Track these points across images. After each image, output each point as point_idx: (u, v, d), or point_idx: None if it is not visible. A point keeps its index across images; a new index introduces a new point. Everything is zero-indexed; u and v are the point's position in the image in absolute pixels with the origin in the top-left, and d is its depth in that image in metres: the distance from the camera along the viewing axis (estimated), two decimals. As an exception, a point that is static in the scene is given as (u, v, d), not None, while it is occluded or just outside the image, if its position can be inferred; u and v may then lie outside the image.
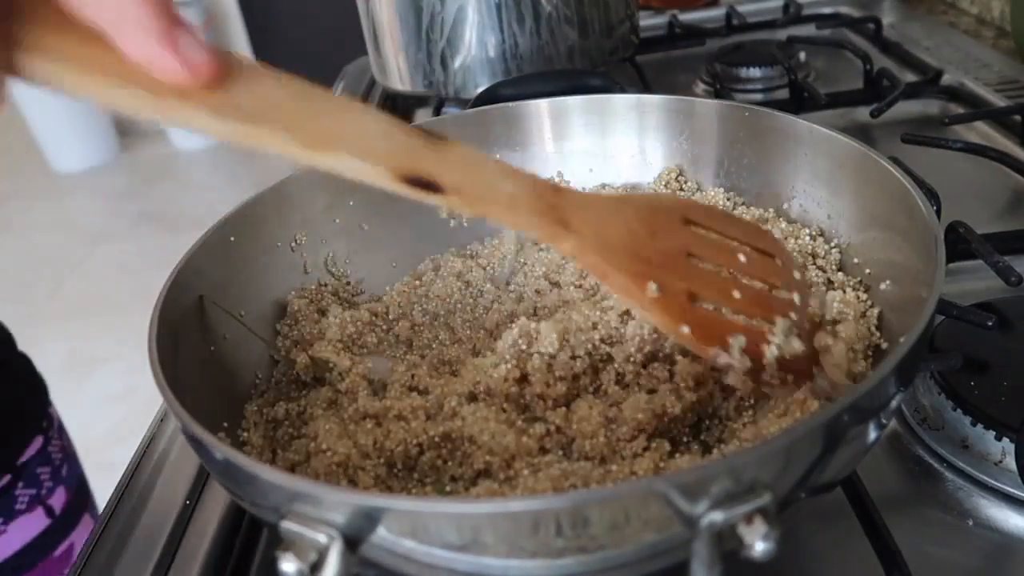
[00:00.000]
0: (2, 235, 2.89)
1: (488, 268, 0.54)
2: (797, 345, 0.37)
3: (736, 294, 0.37)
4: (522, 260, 0.53)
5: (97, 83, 0.25)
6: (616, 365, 0.42)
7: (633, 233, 0.36)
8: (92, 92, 0.26)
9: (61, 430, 0.76)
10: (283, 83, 0.28)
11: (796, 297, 0.40)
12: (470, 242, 0.57)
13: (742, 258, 0.39)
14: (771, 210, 0.52)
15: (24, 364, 0.74)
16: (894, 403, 0.32)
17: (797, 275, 0.41)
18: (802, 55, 0.95)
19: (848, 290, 0.44)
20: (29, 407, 0.72)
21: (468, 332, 0.49)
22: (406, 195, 0.30)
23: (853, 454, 0.34)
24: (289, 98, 0.28)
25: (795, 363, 0.37)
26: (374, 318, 0.50)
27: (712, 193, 0.53)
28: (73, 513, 0.72)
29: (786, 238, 0.48)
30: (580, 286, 0.50)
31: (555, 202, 0.33)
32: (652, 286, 0.35)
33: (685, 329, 0.36)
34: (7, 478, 0.67)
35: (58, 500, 0.71)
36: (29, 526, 0.69)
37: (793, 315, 0.39)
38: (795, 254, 0.47)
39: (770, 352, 0.37)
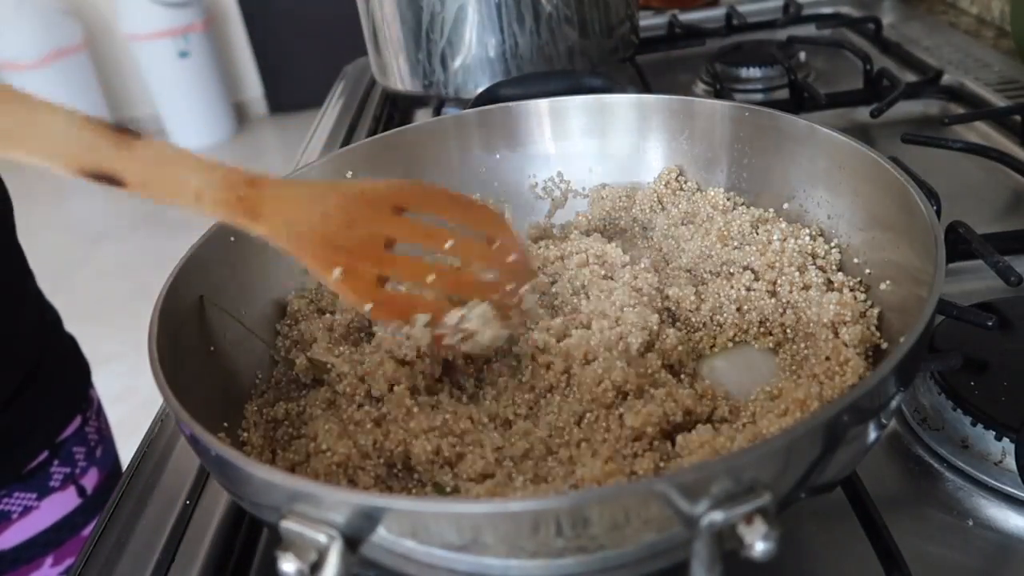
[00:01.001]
0: (2, 235, 2.88)
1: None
2: (492, 329, 0.43)
3: (430, 277, 0.43)
4: None
5: None
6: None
7: (328, 220, 0.41)
8: None
9: (99, 413, 0.78)
10: None
11: (494, 275, 0.44)
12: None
13: (448, 243, 0.43)
14: (771, 210, 0.52)
15: (70, 345, 0.76)
16: (894, 403, 0.32)
17: (514, 257, 0.45)
18: (802, 55, 0.95)
19: (847, 291, 0.44)
20: (72, 387, 0.74)
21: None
22: (92, 183, 0.34)
23: (853, 454, 0.34)
24: None
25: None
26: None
27: (712, 193, 0.53)
28: (104, 494, 0.73)
29: (786, 238, 0.49)
30: (581, 286, 0.50)
31: (246, 194, 0.38)
32: (336, 271, 0.40)
33: (368, 306, 0.41)
34: (44, 455, 0.68)
35: (90, 480, 0.72)
36: (61, 504, 0.70)
37: (495, 296, 0.43)
38: (795, 254, 0.47)
39: (450, 320, 0.42)
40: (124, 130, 0.35)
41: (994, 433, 0.41)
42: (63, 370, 0.72)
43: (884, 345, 0.41)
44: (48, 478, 0.69)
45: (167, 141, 0.37)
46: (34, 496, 0.68)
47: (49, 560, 0.69)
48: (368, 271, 0.41)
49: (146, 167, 0.35)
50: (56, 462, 0.69)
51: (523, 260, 0.46)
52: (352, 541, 0.28)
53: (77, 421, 0.72)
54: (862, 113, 0.80)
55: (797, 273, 0.47)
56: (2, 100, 0.32)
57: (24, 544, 0.68)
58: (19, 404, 0.65)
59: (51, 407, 0.69)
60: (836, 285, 0.46)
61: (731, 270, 0.49)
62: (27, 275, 0.70)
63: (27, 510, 0.67)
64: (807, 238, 0.48)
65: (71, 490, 0.71)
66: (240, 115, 3.96)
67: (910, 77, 0.86)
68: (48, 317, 0.73)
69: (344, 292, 0.40)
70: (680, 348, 0.45)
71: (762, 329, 0.46)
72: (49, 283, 0.75)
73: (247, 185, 0.38)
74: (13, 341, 0.66)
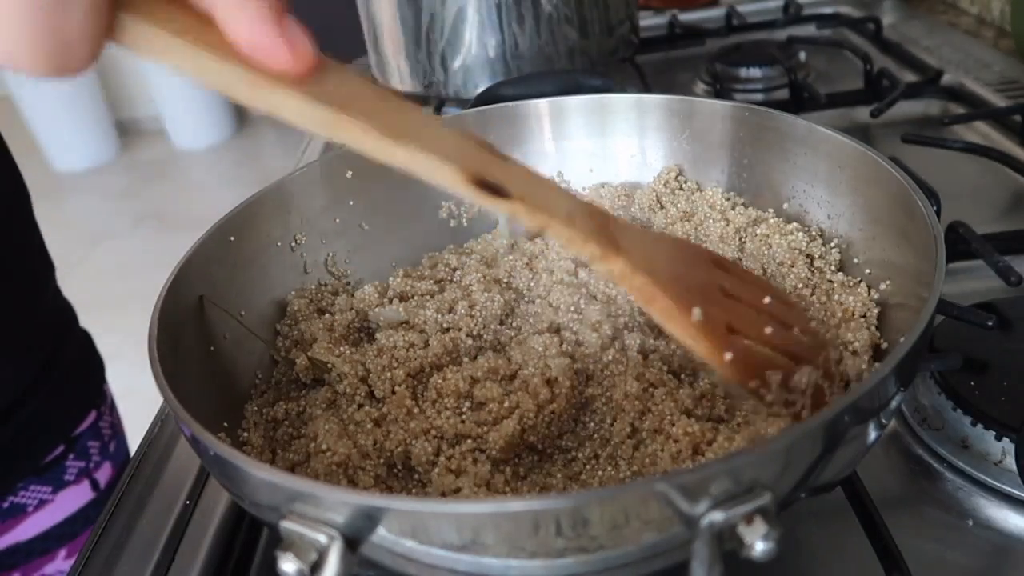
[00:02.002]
0: (2, 235, 2.88)
1: (482, 262, 0.53)
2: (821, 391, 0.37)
3: (768, 330, 0.37)
4: (513, 257, 0.53)
5: (195, 57, 0.25)
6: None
7: (674, 261, 0.36)
8: (187, 65, 0.25)
9: (112, 408, 0.78)
10: (365, 81, 0.29)
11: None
12: (467, 240, 0.57)
13: (768, 300, 0.39)
14: (770, 210, 0.52)
15: (85, 340, 0.76)
16: (894, 403, 0.32)
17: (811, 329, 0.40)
18: (802, 55, 0.95)
19: (847, 290, 0.44)
20: (87, 381, 0.74)
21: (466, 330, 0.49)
22: (473, 199, 0.30)
23: (853, 454, 0.34)
24: (372, 95, 0.28)
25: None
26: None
27: (710, 192, 0.53)
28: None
29: (786, 235, 0.48)
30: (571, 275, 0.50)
31: (605, 224, 0.34)
32: (696, 311, 0.35)
33: (728, 355, 0.35)
34: (60, 448, 0.69)
35: (104, 475, 0.73)
36: (75, 497, 0.70)
37: (819, 359, 0.37)
38: (797, 253, 0.47)
39: (798, 381, 0.36)
40: (495, 149, 0.32)
41: (994, 433, 0.41)
42: (79, 364, 0.73)
43: (884, 345, 0.41)
44: (63, 472, 0.69)
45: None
46: (49, 489, 0.69)
47: (63, 553, 0.70)
48: (719, 316, 0.36)
49: (523, 183, 0.32)
50: (71, 456, 0.70)
51: (821, 334, 0.41)
52: (352, 541, 0.27)
53: (92, 416, 0.73)
54: (862, 113, 0.80)
55: (797, 273, 0.47)
56: (393, 101, 0.30)
57: (38, 537, 0.68)
58: (37, 396, 0.65)
59: (68, 400, 0.70)
60: (836, 285, 0.46)
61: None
62: (49, 266, 0.71)
63: (42, 503, 0.68)
64: (806, 238, 0.48)
65: (85, 484, 0.71)
66: (240, 115, 3.96)
67: (910, 77, 0.86)
68: (65, 309, 0.74)
69: (703, 338, 0.35)
70: (678, 352, 0.44)
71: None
72: (49, 283, 0.75)
73: (603, 216, 0.35)
74: (33, 329, 0.66)
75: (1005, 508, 0.40)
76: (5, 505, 0.66)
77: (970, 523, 0.40)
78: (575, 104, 0.58)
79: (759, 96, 0.90)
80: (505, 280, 0.51)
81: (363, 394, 0.44)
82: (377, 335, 0.47)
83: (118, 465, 0.75)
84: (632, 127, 0.57)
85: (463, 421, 0.41)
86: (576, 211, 0.33)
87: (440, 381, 0.43)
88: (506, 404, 0.41)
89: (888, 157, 0.43)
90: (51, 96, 3.46)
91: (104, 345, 0.78)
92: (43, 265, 0.70)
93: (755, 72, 0.91)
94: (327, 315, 0.49)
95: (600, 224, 0.34)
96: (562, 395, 0.41)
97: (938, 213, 0.55)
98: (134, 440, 0.53)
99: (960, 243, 0.54)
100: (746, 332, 0.36)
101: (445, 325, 0.47)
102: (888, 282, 0.43)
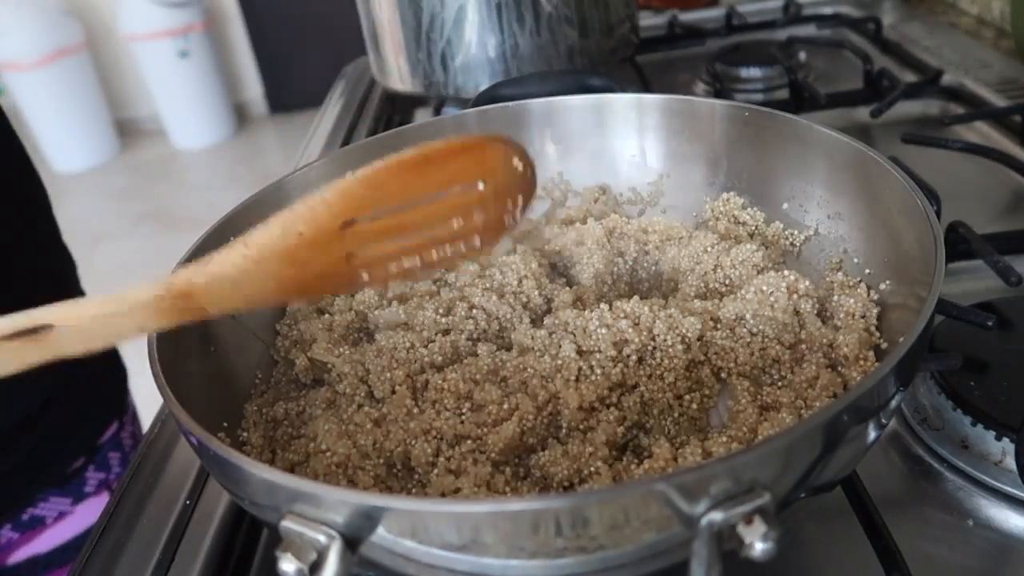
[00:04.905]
0: (2, 235, 2.88)
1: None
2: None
3: (396, 242, 0.38)
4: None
5: None
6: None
7: (281, 281, 0.37)
8: None
9: (134, 419, 0.78)
10: None
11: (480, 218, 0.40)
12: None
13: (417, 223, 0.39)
14: (771, 210, 0.52)
15: (110, 349, 0.76)
16: (894, 403, 0.32)
17: (484, 186, 0.40)
18: (802, 55, 0.95)
19: (847, 291, 0.44)
20: (111, 390, 0.74)
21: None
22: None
23: (853, 454, 0.34)
24: None
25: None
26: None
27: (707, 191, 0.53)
28: None
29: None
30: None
31: (188, 292, 0.34)
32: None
33: (365, 278, 0.38)
34: (81, 460, 0.69)
35: None
36: (95, 510, 0.70)
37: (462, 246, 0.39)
38: (792, 246, 0.47)
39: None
40: (35, 328, 0.33)
41: (994, 433, 0.41)
42: (102, 373, 0.73)
43: (884, 345, 0.41)
44: (83, 483, 0.69)
45: (89, 299, 0.34)
46: (69, 501, 0.68)
47: None
48: (342, 270, 0.37)
49: (68, 311, 0.33)
50: (92, 467, 0.70)
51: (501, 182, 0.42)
52: (352, 541, 0.28)
53: (114, 426, 0.72)
54: (862, 113, 0.80)
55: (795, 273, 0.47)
56: None
57: (57, 549, 0.68)
58: (61, 406, 0.65)
59: (90, 410, 0.70)
60: (835, 285, 0.46)
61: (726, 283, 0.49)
62: (70, 262, 0.71)
63: (62, 515, 0.68)
64: (805, 239, 0.48)
65: (105, 496, 0.71)
66: (240, 115, 3.96)
67: (910, 77, 0.86)
68: None
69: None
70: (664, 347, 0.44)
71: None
72: (49, 283, 0.75)
73: (185, 290, 0.35)
74: None
75: (1005, 508, 0.40)
76: (25, 517, 0.66)
77: (970, 523, 0.40)
78: (575, 104, 0.58)
79: (759, 96, 0.90)
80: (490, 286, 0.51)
81: (363, 394, 0.44)
82: (377, 335, 0.47)
83: None
84: (632, 127, 0.57)
85: (463, 422, 0.41)
86: (139, 304, 0.33)
87: (440, 382, 0.43)
88: (505, 406, 0.41)
89: (888, 157, 0.43)
90: (51, 96, 3.46)
91: (104, 345, 0.79)
92: (65, 261, 0.70)
93: (755, 72, 0.91)
94: (327, 315, 0.49)
95: (179, 302, 0.34)
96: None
97: (938, 213, 0.55)
98: (134, 440, 0.53)
99: (960, 243, 0.54)
100: (376, 253, 0.38)
101: (445, 327, 0.47)
102: (888, 282, 0.43)
